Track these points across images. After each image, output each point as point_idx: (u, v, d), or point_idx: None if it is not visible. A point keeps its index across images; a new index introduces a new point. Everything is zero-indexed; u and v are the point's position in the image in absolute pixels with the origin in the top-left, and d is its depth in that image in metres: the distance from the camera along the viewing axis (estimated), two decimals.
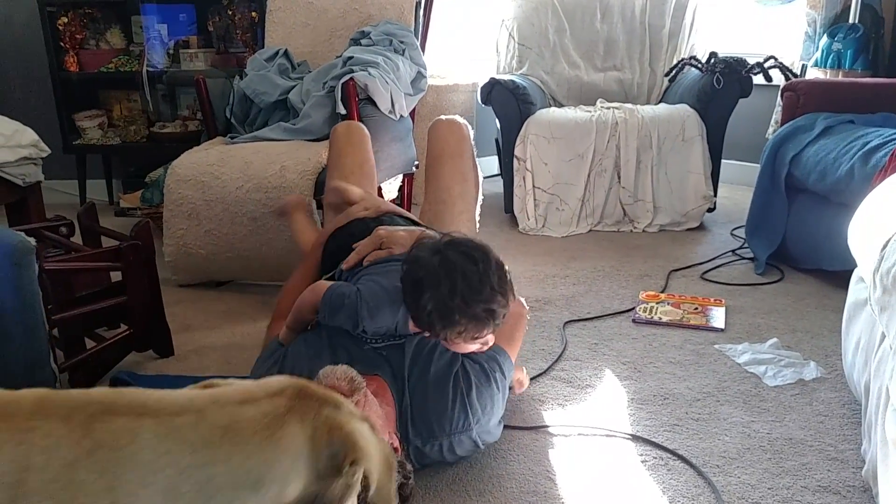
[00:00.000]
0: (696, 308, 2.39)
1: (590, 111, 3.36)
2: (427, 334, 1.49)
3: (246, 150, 2.61)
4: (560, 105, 3.68)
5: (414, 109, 3.09)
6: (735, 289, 2.60)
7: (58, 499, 0.80)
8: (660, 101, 3.67)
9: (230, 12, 3.67)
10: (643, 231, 3.29)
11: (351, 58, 2.78)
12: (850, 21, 3.51)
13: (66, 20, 3.62)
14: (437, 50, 3.79)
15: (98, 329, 2.07)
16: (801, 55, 3.68)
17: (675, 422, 1.74)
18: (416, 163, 3.11)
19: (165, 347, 2.09)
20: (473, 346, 1.50)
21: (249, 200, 2.46)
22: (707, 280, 2.69)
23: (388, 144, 2.77)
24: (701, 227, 3.33)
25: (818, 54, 3.54)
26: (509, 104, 3.31)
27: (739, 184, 4.04)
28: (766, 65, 3.28)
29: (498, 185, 3.64)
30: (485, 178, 4.18)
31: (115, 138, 3.78)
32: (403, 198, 3.18)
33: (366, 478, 0.99)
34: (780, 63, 3.32)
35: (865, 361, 1.53)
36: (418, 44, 3.05)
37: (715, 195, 3.34)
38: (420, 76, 3.00)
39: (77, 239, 2.15)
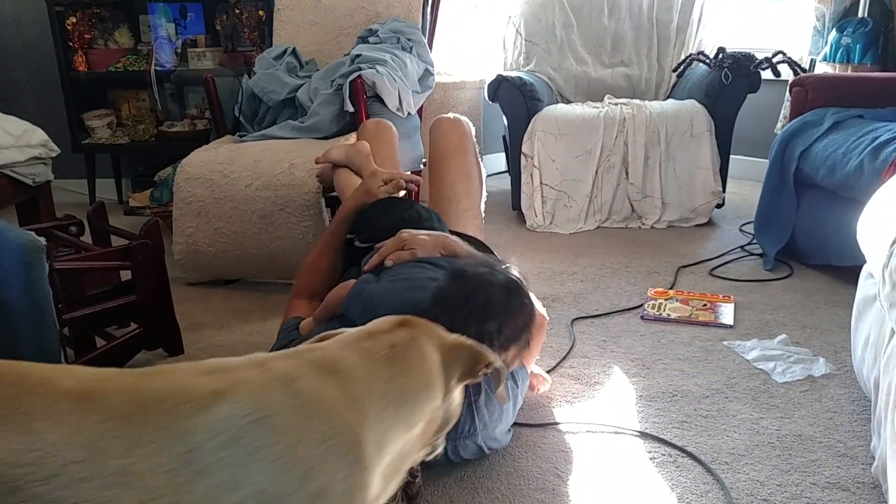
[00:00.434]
0: (705, 304, 2.38)
1: (597, 107, 3.36)
2: None
3: (255, 149, 2.62)
4: (567, 101, 3.67)
5: (421, 107, 3.10)
6: (744, 285, 2.59)
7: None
8: (668, 97, 3.66)
9: (238, 11, 3.68)
10: (651, 227, 3.29)
11: (359, 56, 2.78)
12: (859, 15, 3.49)
13: (74, 20, 3.64)
14: (444, 47, 3.79)
15: (108, 328, 2.08)
16: (809, 50, 3.66)
17: (684, 418, 1.74)
18: (424, 160, 3.11)
19: (175, 346, 2.10)
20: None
21: (258, 198, 2.47)
22: (716, 276, 2.69)
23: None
24: (709, 223, 3.33)
25: (827, 49, 3.52)
26: (516, 101, 3.31)
27: (748, 179, 4.03)
28: (775, 60, 3.26)
29: (505, 182, 3.64)
30: (492, 175, 4.21)
31: (124, 137, 3.80)
32: (411, 195, 3.18)
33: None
34: (789, 58, 3.30)
35: (875, 357, 1.53)
36: (426, 41, 3.05)
37: (723, 191, 3.33)
38: (427, 73, 3.01)
39: (87, 238, 2.16)
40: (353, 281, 1.60)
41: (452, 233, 1.85)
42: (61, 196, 3.49)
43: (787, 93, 3.21)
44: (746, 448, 1.61)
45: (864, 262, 1.66)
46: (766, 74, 3.24)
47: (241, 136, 2.90)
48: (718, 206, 3.34)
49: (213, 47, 3.72)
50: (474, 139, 2.25)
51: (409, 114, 2.83)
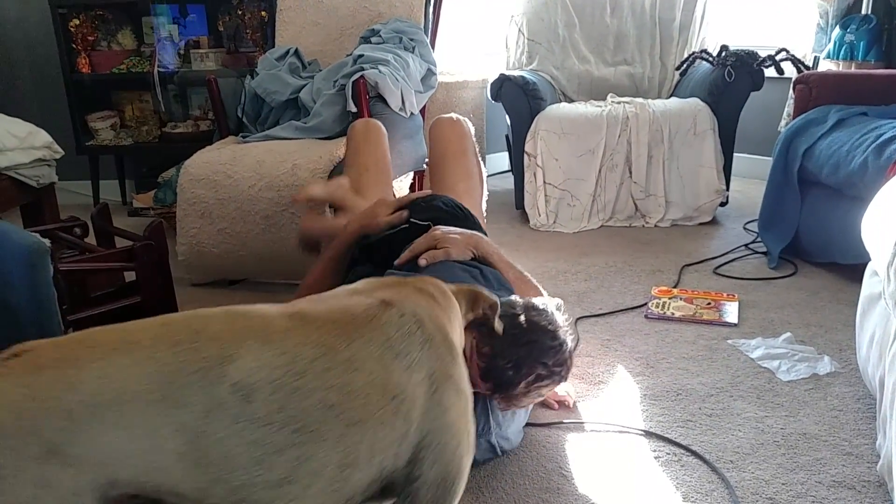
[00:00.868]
0: (709, 303, 2.38)
1: (600, 106, 3.35)
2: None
3: (258, 149, 2.63)
4: (570, 100, 3.67)
5: (424, 106, 3.10)
6: (748, 283, 2.59)
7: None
8: (671, 95, 3.66)
9: (240, 12, 3.69)
10: (655, 226, 3.28)
11: (361, 56, 2.78)
12: (863, 12, 3.48)
13: (77, 22, 3.65)
14: (446, 47, 3.79)
15: None
16: (813, 47, 3.65)
17: (689, 417, 1.73)
18: (427, 160, 3.11)
19: None
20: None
21: (262, 199, 2.47)
22: (720, 275, 2.68)
23: (399, 142, 2.78)
24: (713, 222, 3.32)
25: (830, 46, 3.52)
26: (519, 100, 3.31)
27: (752, 177, 4.02)
28: (778, 57, 3.26)
29: (508, 182, 3.64)
30: (495, 174, 4.21)
31: (128, 139, 3.81)
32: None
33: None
34: (792, 55, 3.30)
35: (880, 356, 1.53)
36: (428, 41, 3.05)
37: (727, 189, 3.33)
38: (430, 73, 3.01)
39: (91, 239, 2.17)
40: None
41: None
42: (65, 198, 3.50)
43: (791, 90, 3.20)
44: (751, 447, 1.61)
45: (869, 259, 1.66)
46: (770, 72, 3.24)
47: (244, 137, 2.90)
48: (722, 204, 3.34)
49: (216, 48, 3.72)
50: (474, 139, 2.25)
51: (411, 113, 2.83)
